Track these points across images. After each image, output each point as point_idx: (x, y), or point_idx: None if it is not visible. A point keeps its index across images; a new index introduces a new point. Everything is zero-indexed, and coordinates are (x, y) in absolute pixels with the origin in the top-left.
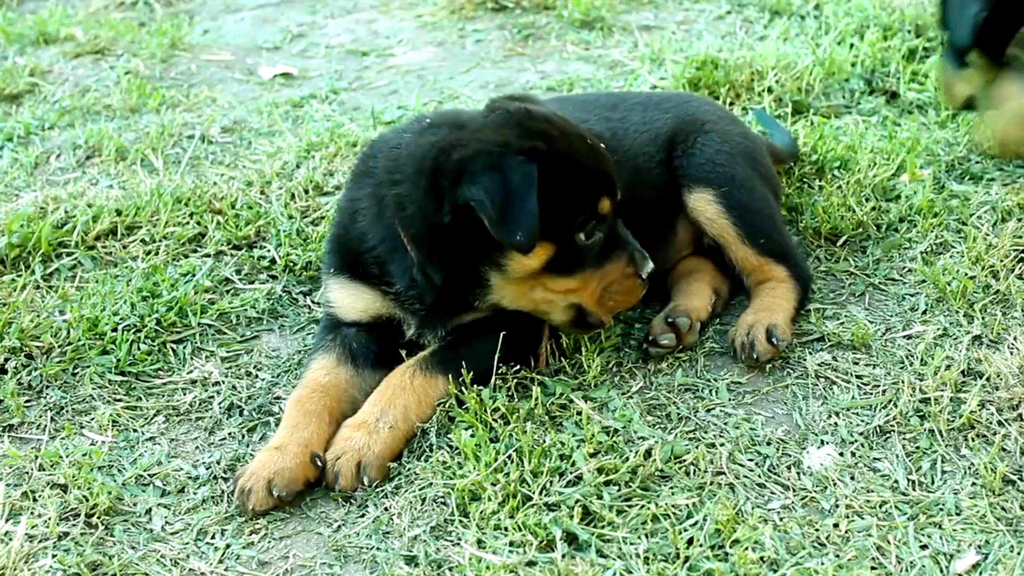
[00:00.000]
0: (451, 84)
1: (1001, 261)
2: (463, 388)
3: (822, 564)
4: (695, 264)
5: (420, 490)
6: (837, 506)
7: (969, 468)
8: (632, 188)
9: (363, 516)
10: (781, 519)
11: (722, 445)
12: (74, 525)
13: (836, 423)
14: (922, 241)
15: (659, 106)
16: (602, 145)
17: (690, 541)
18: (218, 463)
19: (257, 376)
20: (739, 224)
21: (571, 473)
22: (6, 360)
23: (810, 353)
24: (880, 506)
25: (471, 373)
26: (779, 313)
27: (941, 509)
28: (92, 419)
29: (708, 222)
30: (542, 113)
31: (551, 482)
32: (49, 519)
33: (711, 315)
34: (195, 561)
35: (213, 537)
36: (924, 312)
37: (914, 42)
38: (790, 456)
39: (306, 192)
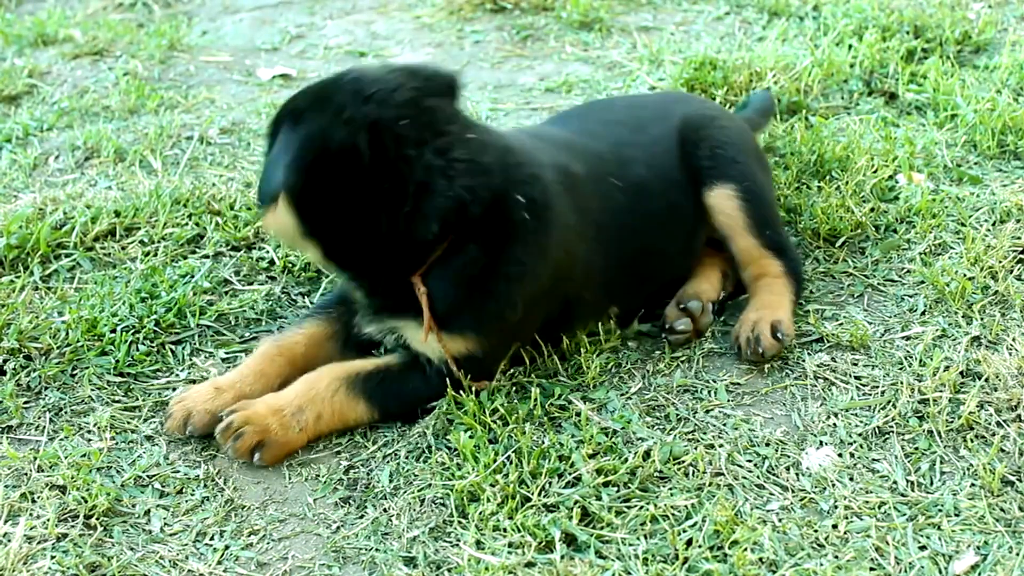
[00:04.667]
0: None
1: (1000, 262)
2: (389, 418)
3: (821, 565)
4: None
5: (419, 491)
6: (836, 507)
7: (968, 469)
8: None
9: (362, 517)
10: (780, 520)
11: (721, 446)
12: (73, 526)
13: (835, 424)
14: (921, 242)
15: (666, 109)
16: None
17: (689, 542)
18: (217, 464)
19: None
20: (751, 217)
21: (570, 474)
22: (5, 361)
23: (809, 354)
24: (879, 507)
25: (396, 407)
26: (781, 309)
27: (940, 510)
28: (91, 420)
29: (725, 216)
30: None
31: (550, 483)
32: (48, 520)
33: (722, 297)
34: (194, 562)
35: (212, 538)
36: (923, 313)
37: (913, 43)
38: (789, 457)
39: None
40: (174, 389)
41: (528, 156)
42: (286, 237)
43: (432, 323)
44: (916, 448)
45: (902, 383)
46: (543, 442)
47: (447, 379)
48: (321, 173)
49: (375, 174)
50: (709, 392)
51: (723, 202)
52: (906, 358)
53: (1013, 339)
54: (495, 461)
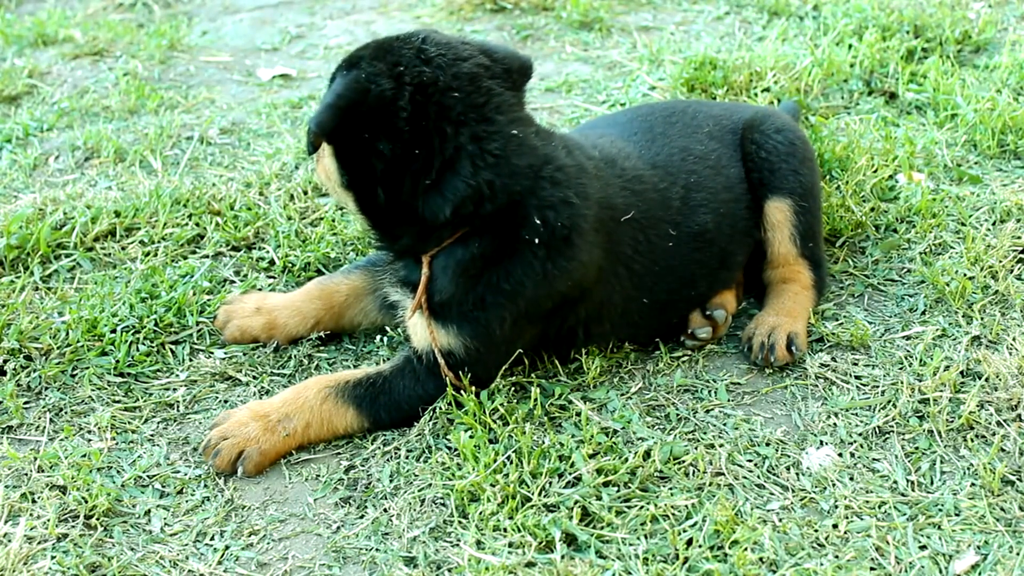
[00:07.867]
0: None
1: (1000, 262)
2: (381, 425)
3: (821, 565)
4: None
5: (419, 491)
6: (836, 507)
7: (968, 469)
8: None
9: (362, 517)
10: (780, 520)
11: (721, 446)
12: (73, 527)
13: (835, 424)
14: (921, 242)
15: (726, 116)
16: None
17: (689, 542)
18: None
19: (256, 377)
20: (798, 228)
21: (570, 474)
22: (5, 362)
23: (809, 354)
24: (879, 507)
25: (386, 414)
26: (800, 321)
27: (940, 509)
28: (91, 420)
29: (775, 223)
30: None
31: (550, 483)
32: (48, 520)
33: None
34: (194, 562)
35: (212, 538)
36: (923, 313)
37: (913, 43)
38: (789, 457)
39: (305, 193)
40: (174, 389)
41: (573, 181)
42: (329, 184)
43: (424, 303)
44: (916, 448)
45: (902, 383)
46: (543, 442)
47: (439, 381)
48: (357, 119)
49: (409, 136)
50: (709, 392)
51: (776, 213)
52: (906, 358)
53: (1013, 339)
54: (495, 461)
